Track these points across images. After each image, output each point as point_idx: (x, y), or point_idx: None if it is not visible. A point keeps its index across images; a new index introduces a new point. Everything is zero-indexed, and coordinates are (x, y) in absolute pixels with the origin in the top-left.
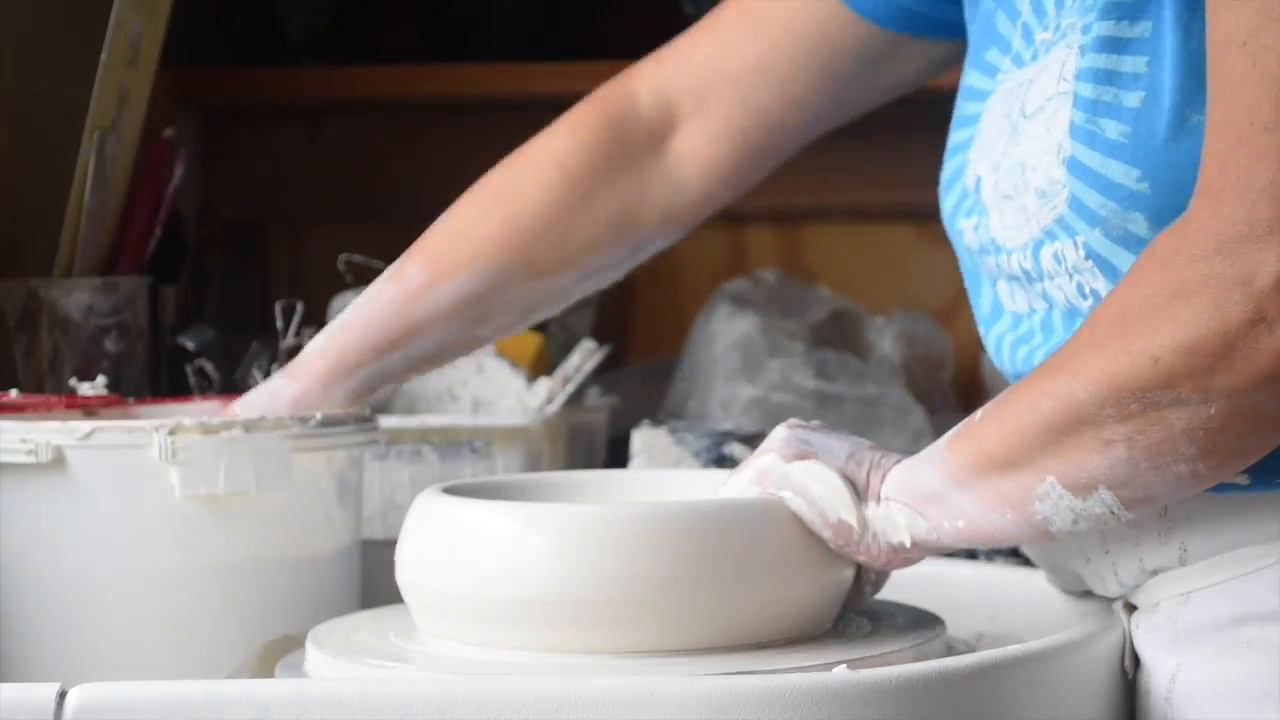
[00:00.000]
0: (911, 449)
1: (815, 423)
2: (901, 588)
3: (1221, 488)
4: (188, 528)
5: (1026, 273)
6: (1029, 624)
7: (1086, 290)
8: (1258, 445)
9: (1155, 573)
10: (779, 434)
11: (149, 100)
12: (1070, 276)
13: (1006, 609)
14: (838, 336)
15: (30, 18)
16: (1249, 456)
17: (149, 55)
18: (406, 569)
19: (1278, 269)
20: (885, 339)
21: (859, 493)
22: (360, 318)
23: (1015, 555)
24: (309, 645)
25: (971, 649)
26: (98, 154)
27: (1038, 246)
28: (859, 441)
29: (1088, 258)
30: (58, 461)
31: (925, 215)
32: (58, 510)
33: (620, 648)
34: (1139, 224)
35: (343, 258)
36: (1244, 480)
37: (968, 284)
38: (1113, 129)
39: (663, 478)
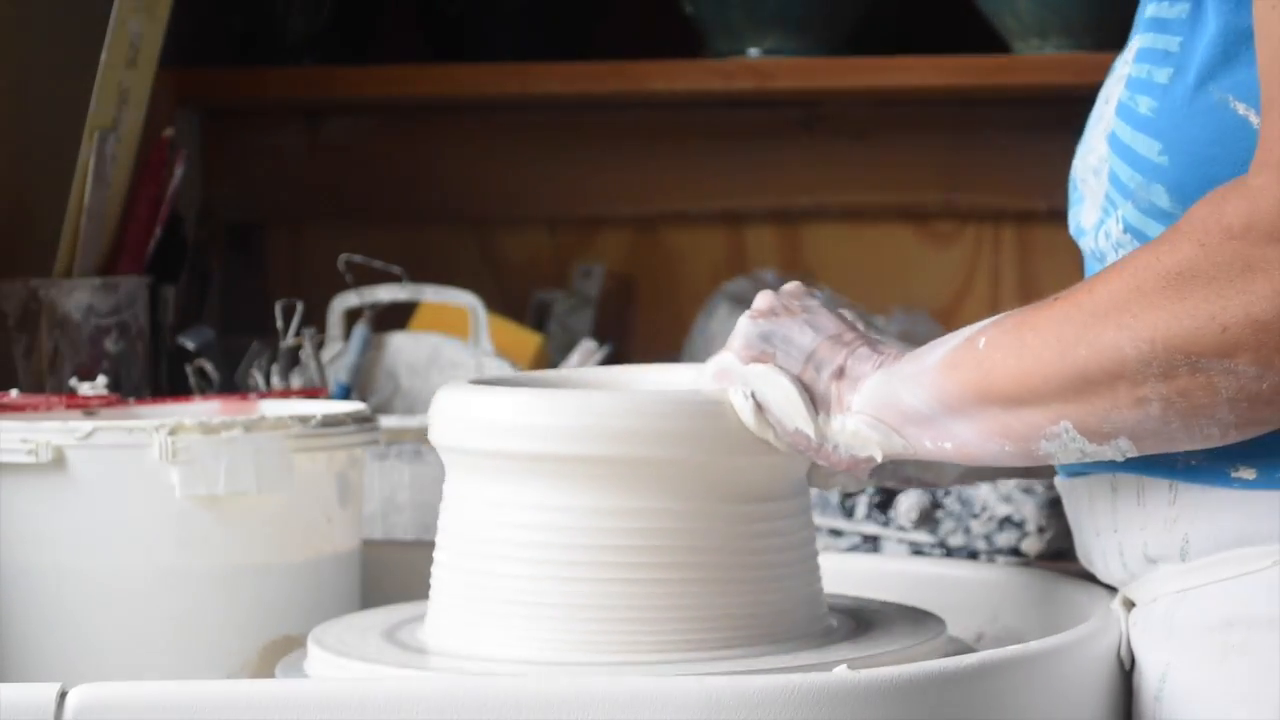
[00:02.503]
0: None
1: (792, 289)
2: (902, 588)
3: (1228, 481)
4: (188, 528)
5: (1095, 254)
6: (1029, 624)
7: None
8: None
9: (1155, 562)
10: (740, 328)
11: (149, 100)
12: (1116, 252)
13: (1006, 609)
14: None
15: (30, 18)
16: (1269, 425)
17: (149, 55)
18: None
19: None
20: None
21: (816, 402)
22: None
23: (1015, 555)
24: (309, 645)
25: (971, 649)
26: (98, 154)
27: (1099, 225)
28: (828, 326)
29: (1125, 231)
30: (58, 461)
31: (925, 215)
32: (58, 510)
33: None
34: (1161, 196)
35: (343, 258)
36: (1251, 474)
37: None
38: (1144, 104)
39: (661, 372)
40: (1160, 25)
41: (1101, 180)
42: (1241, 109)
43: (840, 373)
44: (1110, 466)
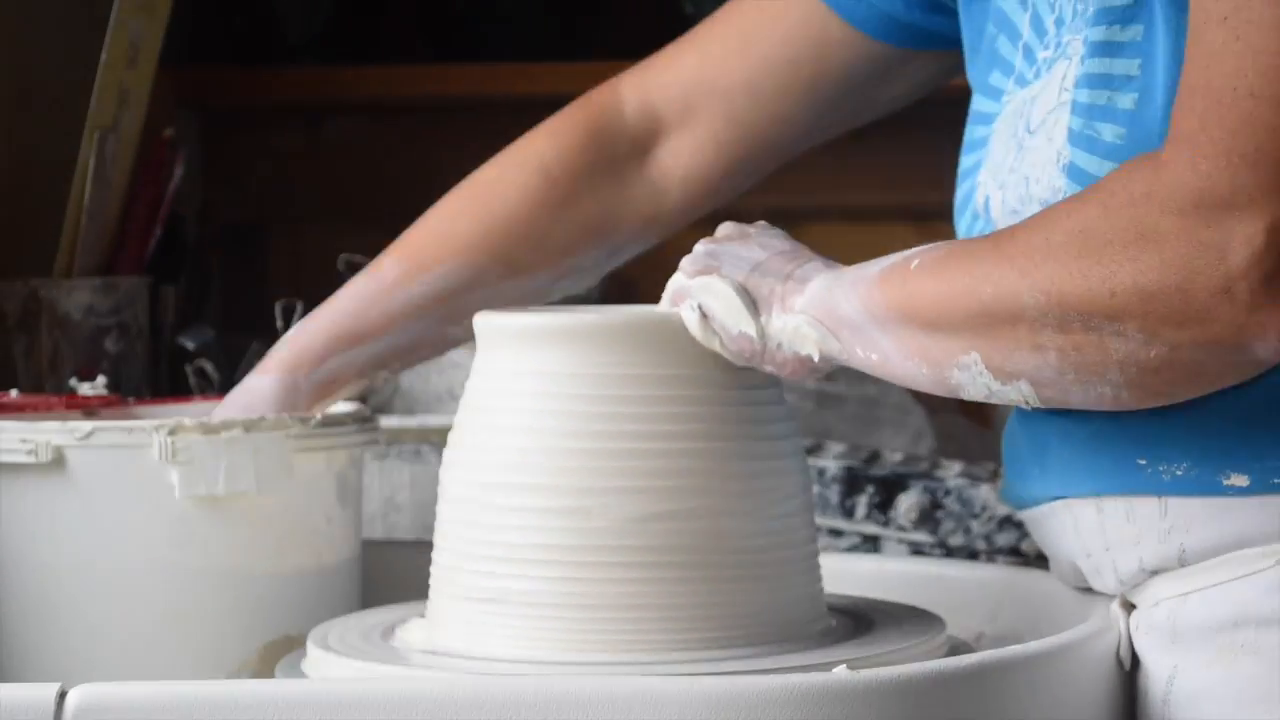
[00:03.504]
0: (911, 449)
1: (756, 227)
2: (902, 588)
3: (1222, 490)
4: (188, 528)
5: None
6: (1029, 624)
7: None
8: (1185, 393)
9: (1155, 572)
10: (693, 252)
11: (149, 100)
12: None
13: (1006, 609)
14: None
15: (30, 18)
16: (1174, 399)
17: (149, 55)
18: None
19: (1255, 245)
20: None
21: (758, 305)
22: (331, 309)
23: (1015, 555)
24: (309, 646)
25: (971, 649)
26: (98, 154)
27: None
28: (780, 246)
29: None
30: (58, 461)
31: (925, 215)
32: (58, 510)
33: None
34: None
35: (343, 258)
36: (1244, 481)
37: None
38: (1109, 132)
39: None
40: (1111, 49)
41: (1059, 180)
42: None
43: (787, 277)
44: (1093, 488)
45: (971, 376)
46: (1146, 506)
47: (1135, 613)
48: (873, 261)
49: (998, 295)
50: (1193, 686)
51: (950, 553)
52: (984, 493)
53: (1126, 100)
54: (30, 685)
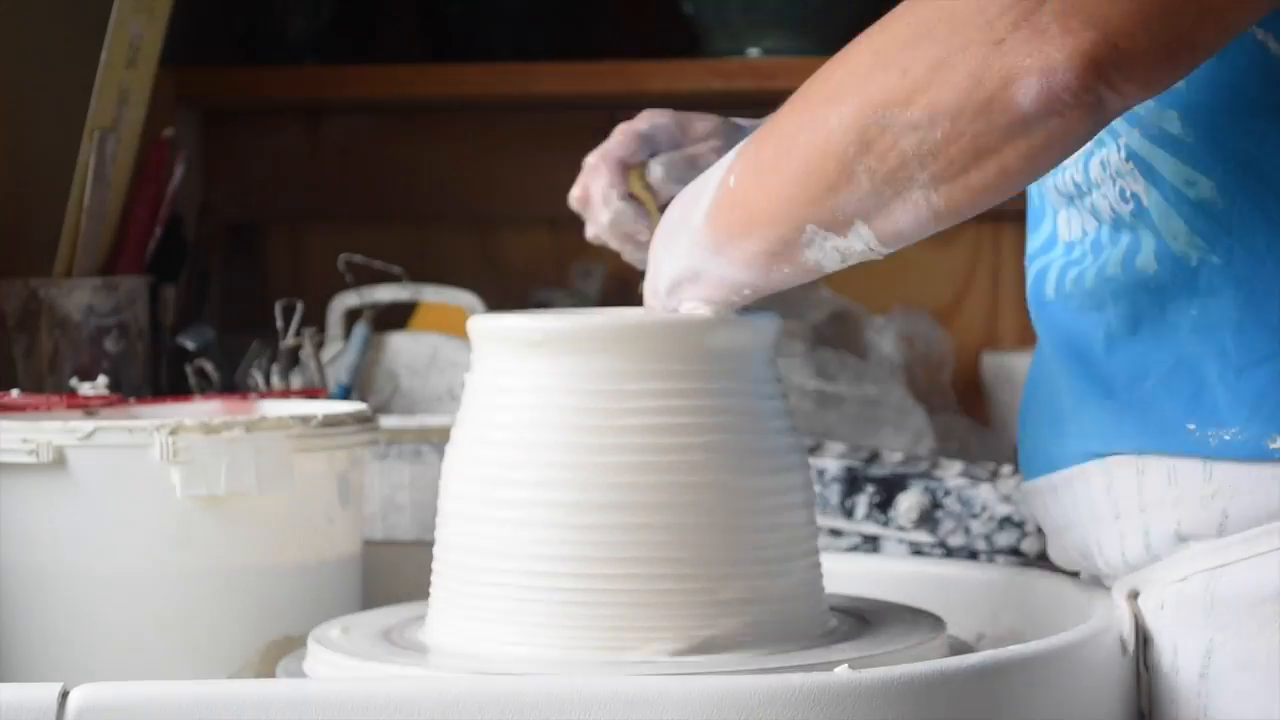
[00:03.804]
0: (911, 449)
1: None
2: (902, 588)
3: (1266, 453)
4: (189, 528)
5: (1077, 185)
6: (1029, 624)
7: (1128, 194)
8: (984, 183)
9: (1187, 540)
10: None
11: (149, 100)
12: (1114, 182)
13: (1006, 609)
14: (838, 336)
15: (30, 18)
16: (977, 195)
17: (149, 55)
18: None
19: (1070, 57)
20: (885, 339)
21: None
22: None
23: (1015, 555)
24: (310, 645)
25: (971, 649)
26: (98, 154)
27: (1088, 157)
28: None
29: (1128, 159)
30: (58, 461)
31: None
32: (59, 510)
33: None
34: (1173, 122)
35: (343, 258)
36: None
37: (1030, 223)
38: None
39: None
40: None
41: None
42: (1259, 34)
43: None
44: (1137, 447)
45: (820, 248)
46: (1191, 469)
47: (1151, 591)
48: (701, 191)
49: (810, 138)
50: (1236, 658)
51: (950, 553)
52: (984, 493)
53: None
54: (32, 685)
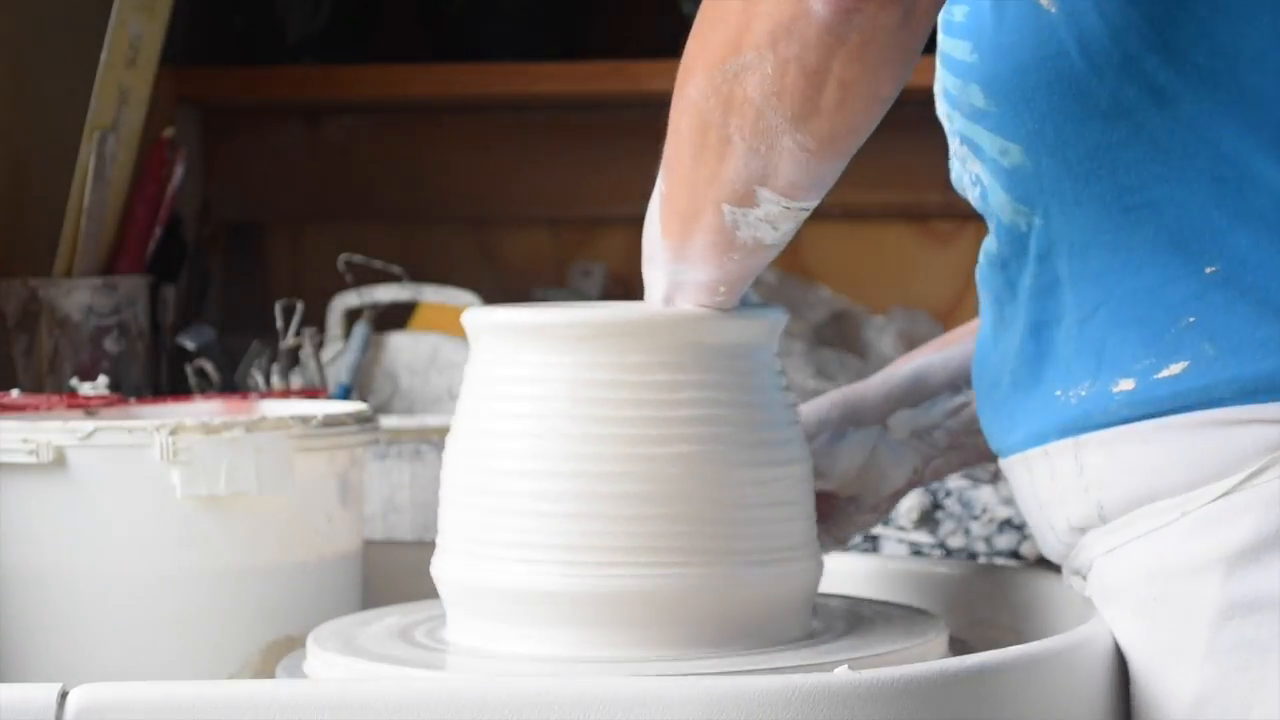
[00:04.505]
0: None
1: None
2: (902, 588)
3: (1111, 401)
4: (189, 528)
5: (959, 179)
6: (1028, 625)
7: (972, 177)
8: (836, 105)
9: (1083, 530)
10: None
11: (149, 100)
12: (964, 165)
13: (1005, 610)
14: (838, 336)
15: (30, 18)
16: (838, 121)
17: (149, 55)
18: None
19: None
20: (885, 339)
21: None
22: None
23: (1015, 558)
24: (310, 646)
25: (972, 649)
26: (98, 154)
27: (953, 151)
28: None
29: (962, 143)
30: (58, 461)
31: (925, 215)
32: (58, 510)
33: None
34: (977, 96)
35: (343, 258)
36: (1130, 385)
37: None
38: (959, 11)
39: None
40: None
41: (942, 106)
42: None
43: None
44: (1038, 440)
45: (742, 224)
46: (1064, 459)
47: (1082, 580)
48: (652, 211)
49: (686, 119)
50: (1123, 641)
51: (950, 554)
52: (984, 495)
53: None
54: (31, 685)
